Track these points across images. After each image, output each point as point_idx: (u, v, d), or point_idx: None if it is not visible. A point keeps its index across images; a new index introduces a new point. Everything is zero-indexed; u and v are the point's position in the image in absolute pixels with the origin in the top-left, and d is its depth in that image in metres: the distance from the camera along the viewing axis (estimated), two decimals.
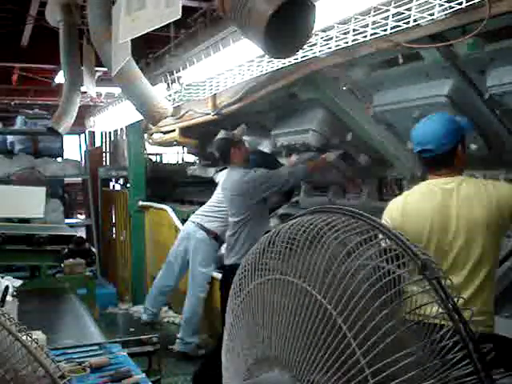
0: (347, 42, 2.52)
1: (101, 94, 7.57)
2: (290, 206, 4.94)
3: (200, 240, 4.71)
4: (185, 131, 6.16)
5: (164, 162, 9.04)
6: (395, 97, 3.27)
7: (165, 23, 1.80)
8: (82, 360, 2.13)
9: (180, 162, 8.89)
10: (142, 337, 2.55)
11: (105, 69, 3.48)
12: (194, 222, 4.80)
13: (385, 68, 3.27)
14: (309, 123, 4.05)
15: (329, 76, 3.61)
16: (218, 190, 4.77)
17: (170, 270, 4.96)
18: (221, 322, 3.41)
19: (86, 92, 4.42)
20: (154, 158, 8.33)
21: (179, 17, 1.74)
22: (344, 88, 3.67)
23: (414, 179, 3.70)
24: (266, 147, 5.09)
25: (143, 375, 2.05)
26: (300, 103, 4.18)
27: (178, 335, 4.72)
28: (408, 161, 3.73)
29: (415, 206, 2.18)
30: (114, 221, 7.51)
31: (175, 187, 7.25)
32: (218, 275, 4.45)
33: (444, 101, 2.94)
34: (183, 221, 5.34)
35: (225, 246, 4.19)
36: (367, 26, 2.32)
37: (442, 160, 2.17)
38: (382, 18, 2.24)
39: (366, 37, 2.41)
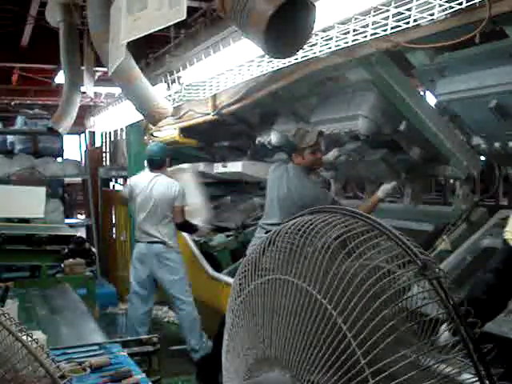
0: (347, 42, 2.52)
1: (101, 94, 7.57)
2: None
3: (162, 253, 4.52)
4: (185, 131, 6.16)
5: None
6: (465, 83, 2.82)
7: (169, 24, 1.79)
8: (82, 360, 2.13)
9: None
10: (142, 337, 2.56)
11: (105, 69, 3.48)
12: (150, 243, 4.54)
13: (451, 50, 2.83)
14: (358, 108, 3.55)
15: (384, 56, 3.20)
16: (149, 192, 4.52)
17: (138, 299, 4.60)
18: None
19: (86, 92, 4.41)
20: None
21: (184, 17, 1.74)
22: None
23: (469, 180, 3.39)
24: None
25: (143, 375, 2.05)
26: (347, 86, 3.73)
27: (188, 347, 4.55)
28: (466, 159, 3.34)
29: None
30: (114, 221, 7.51)
31: None
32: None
33: None
34: (205, 255, 5.07)
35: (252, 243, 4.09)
36: (367, 26, 2.32)
37: None
38: (382, 18, 2.24)
39: (366, 37, 2.41)
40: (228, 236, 5.15)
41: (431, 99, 3.40)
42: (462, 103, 2.94)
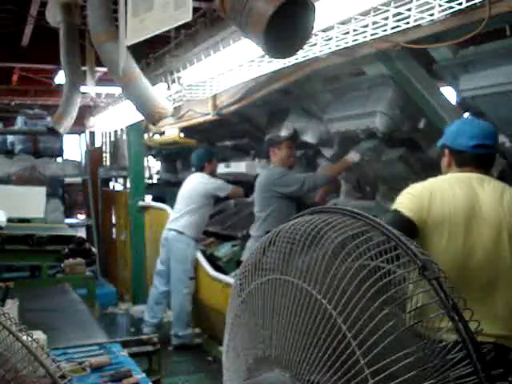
0: (347, 42, 2.52)
1: (101, 94, 7.56)
2: None
3: (173, 240, 4.98)
4: (185, 131, 6.15)
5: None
6: (490, 79, 2.70)
7: (175, 25, 1.79)
8: (82, 360, 2.13)
9: None
10: (142, 337, 2.56)
11: (105, 69, 3.49)
12: (169, 230, 5.08)
13: (477, 44, 2.70)
14: (375, 105, 3.41)
15: (404, 50, 3.03)
16: (183, 189, 5.09)
17: (159, 278, 5.13)
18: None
19: (86, 92, 4.42)
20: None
21: (190, 18, 1.74)
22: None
23: None
24: (310, 137, 4.46)
25: (143, 375, 2.05)
26: (363, 82, 3.61)
27: (172, 332, 4.95)
28: None
29: (446, 191, 2.01)
30: (114, 221, 7.51)
31: None
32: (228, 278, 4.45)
33: None
34: (212, 265, 5.05)
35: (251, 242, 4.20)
36: (367, 26, 2.32)
37: (492, 159, 2.10)
38: (382, 18, 2.24)
39: (365, 37, 2.41)
40: (233, 246, 5.13)
41: (452, 95, 3.29)
42: (487, 100, 2.79)
